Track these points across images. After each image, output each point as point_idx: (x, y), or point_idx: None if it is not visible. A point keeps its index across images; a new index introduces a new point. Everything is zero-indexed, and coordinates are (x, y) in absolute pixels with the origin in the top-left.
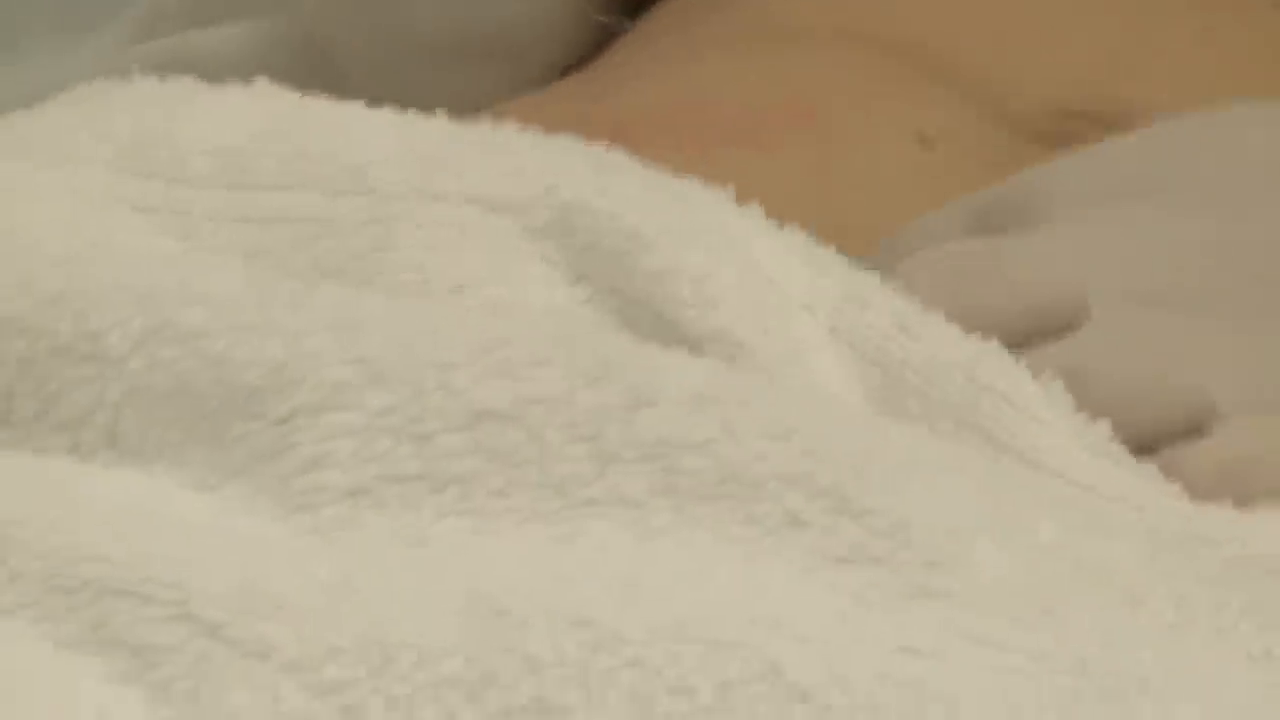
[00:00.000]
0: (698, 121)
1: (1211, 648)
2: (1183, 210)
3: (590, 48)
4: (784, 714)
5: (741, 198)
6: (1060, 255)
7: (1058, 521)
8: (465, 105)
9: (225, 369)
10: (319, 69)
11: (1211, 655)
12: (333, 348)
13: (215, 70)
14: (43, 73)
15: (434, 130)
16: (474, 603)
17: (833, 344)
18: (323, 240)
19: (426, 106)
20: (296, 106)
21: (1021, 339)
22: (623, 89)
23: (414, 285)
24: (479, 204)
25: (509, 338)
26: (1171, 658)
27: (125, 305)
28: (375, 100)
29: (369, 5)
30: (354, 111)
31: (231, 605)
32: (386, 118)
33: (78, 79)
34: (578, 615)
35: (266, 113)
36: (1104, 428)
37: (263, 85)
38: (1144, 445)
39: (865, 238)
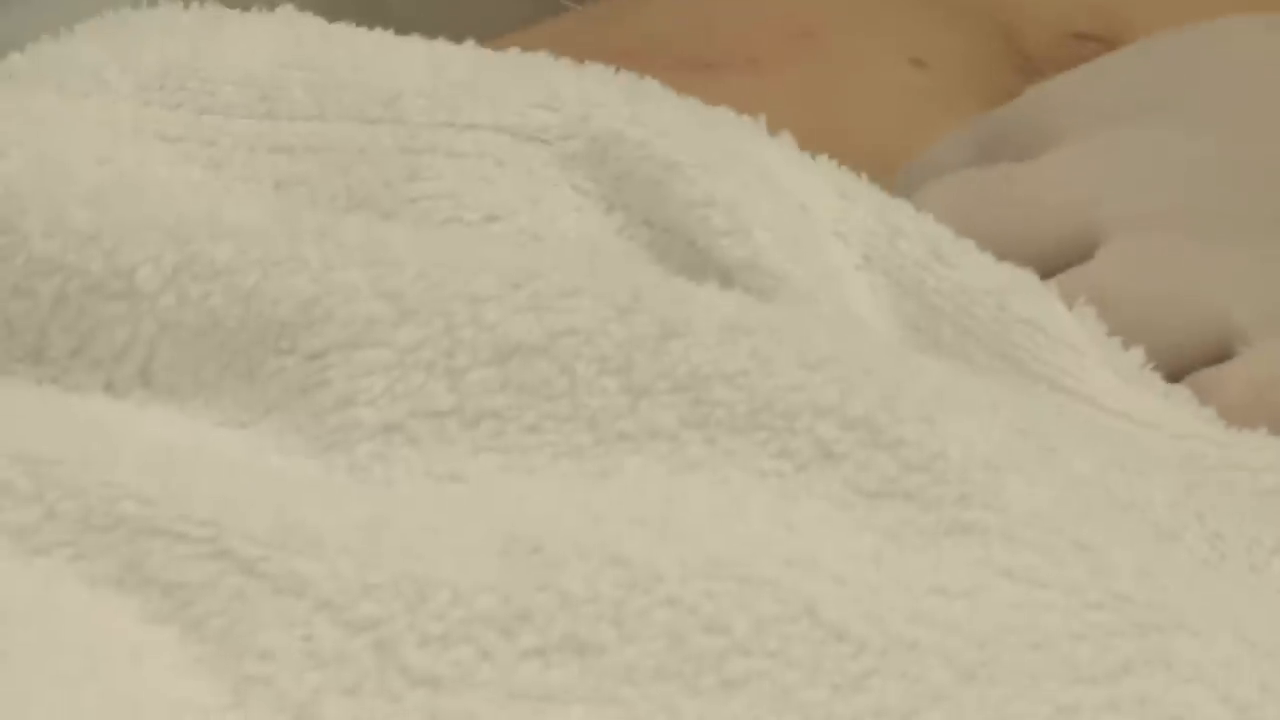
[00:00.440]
0: (697, 47)
1: (1244, 583)
2: (1188, 129)
3: None
4: (819, 654)
5: None
6: (1073, 180)
7: (1091, 454)
8: (489, 31)
9: (255, 304)
10: None
11: (1244, 591)
12: (362, 282)
13: None
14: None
15: (464, 59)
16: (509, 541)
17: (866, 272)
18: (354, 170)
19: (456, 33)
20: (324, 34)
21: (1038, 265)
22: (638, 14)
23: (446, 215)
24: (511, 133)
25: (539, 270)
26: (1205, 592)
27: (155, 241)
28: (409, 23)
29: None
30: (383, 39)
31: (267, 541)
32: (416, 46)
33: (101, 6)
34: (613, 553)
35: (294, 40)
36: (1137, 354)
37: (288, 11)
38: (1170, 370)
39: (861, 160)
